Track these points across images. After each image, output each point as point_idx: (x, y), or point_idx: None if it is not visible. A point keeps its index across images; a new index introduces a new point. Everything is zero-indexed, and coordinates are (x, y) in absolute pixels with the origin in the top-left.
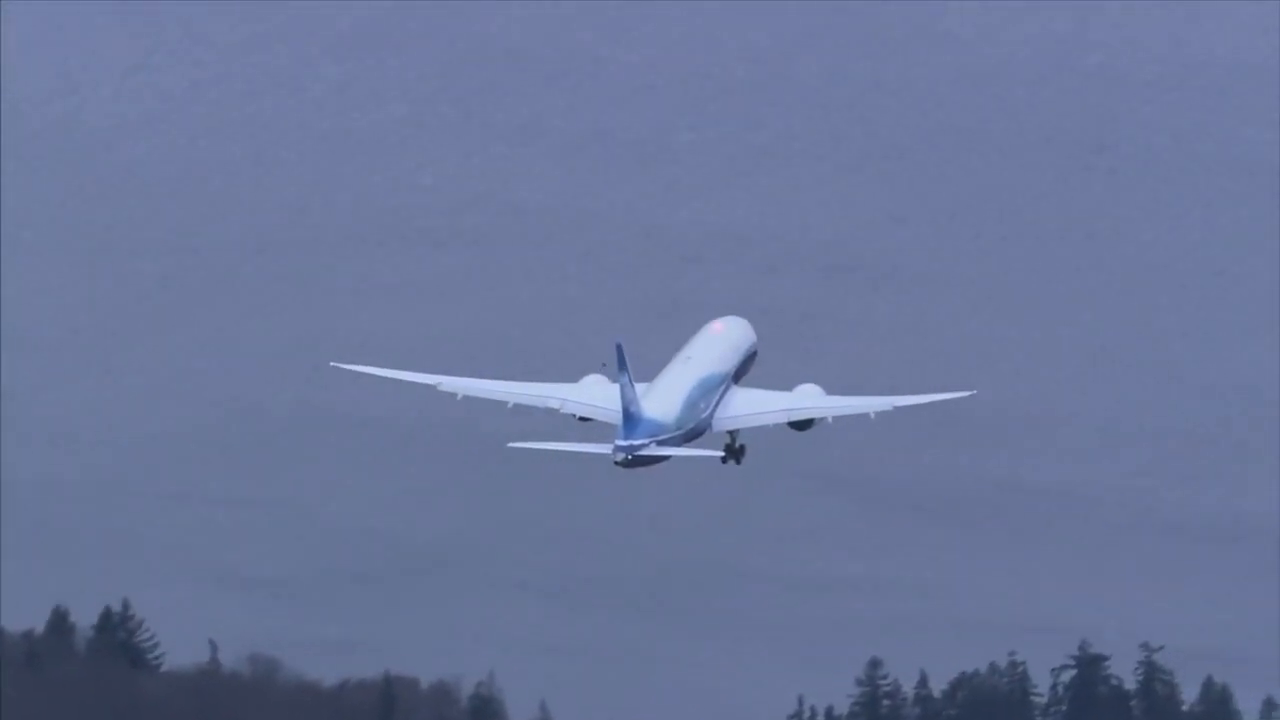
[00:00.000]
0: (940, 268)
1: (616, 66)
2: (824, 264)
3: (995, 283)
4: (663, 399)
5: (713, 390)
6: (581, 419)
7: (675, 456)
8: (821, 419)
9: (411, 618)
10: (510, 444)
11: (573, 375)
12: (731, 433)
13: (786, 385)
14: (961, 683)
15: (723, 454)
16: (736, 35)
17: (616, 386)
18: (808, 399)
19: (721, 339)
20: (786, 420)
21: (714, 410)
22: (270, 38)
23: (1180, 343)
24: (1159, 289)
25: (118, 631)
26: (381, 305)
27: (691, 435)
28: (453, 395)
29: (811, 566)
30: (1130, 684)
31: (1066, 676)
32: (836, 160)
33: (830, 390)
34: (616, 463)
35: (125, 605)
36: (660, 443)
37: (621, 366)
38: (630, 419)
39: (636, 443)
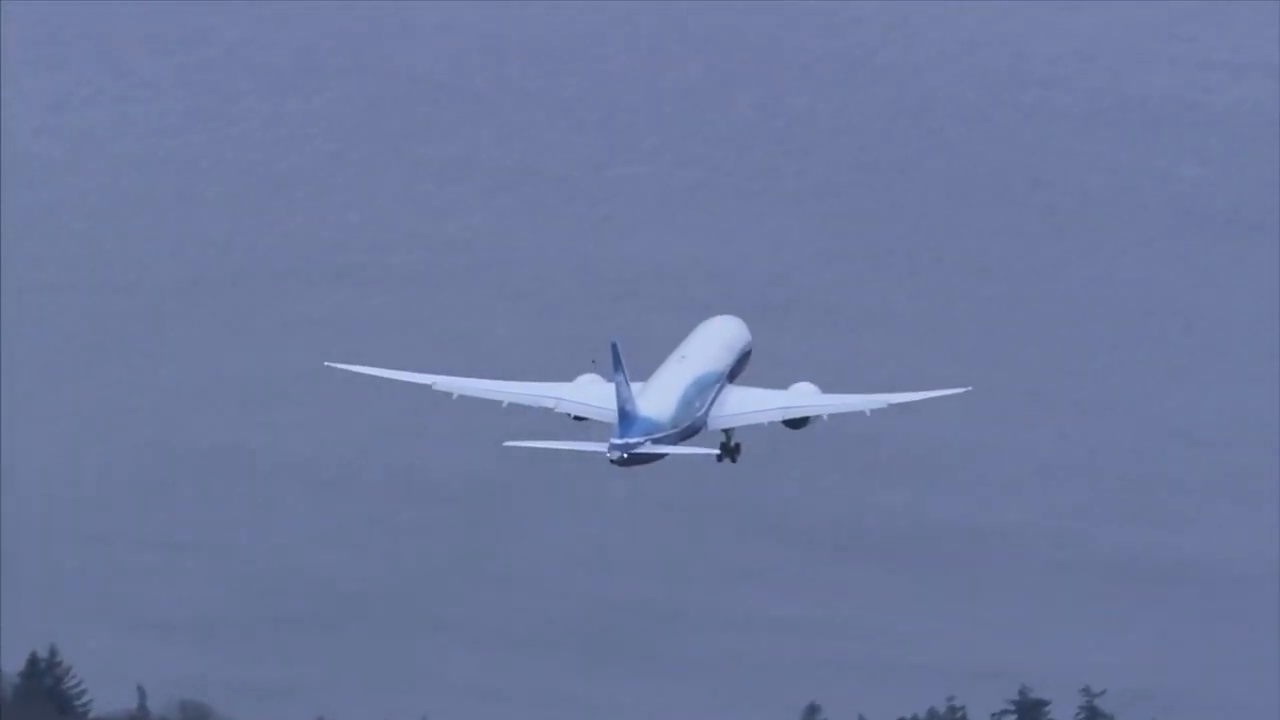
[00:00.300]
0: (877, 304)
1: (547, 101)
2: (760, 301)
3: (931, 320)
4: (658, 398)
5: (708, 389)
6: (576, 418)
7: (670, 455)
8: (817, 417)
9: (344, 662)
10: (506, 443)
11: (567, 375)
12: (727, 431)
13: (781, 384)
14: None
15: (718, 452)
16: (670, 69)
17: (610, 386)
18: (803, 397)
19: (716, 338)
20: (782, 419)
21: (709, 409)
22: (197, 74)
23: (1116, 380)
24: (1095, 326)
25: (44, 678)
26: (309, 344)
27: (687, 434)
28: (386, 429)
29: (750, 609)
30: None
31: None
32: (771, 196)
33: (825, 388)
34: (612, 461)
35: (52, 651)
36: (656, 441)
37: (617, 366)
38: (626, 418)
39: (632, 441)
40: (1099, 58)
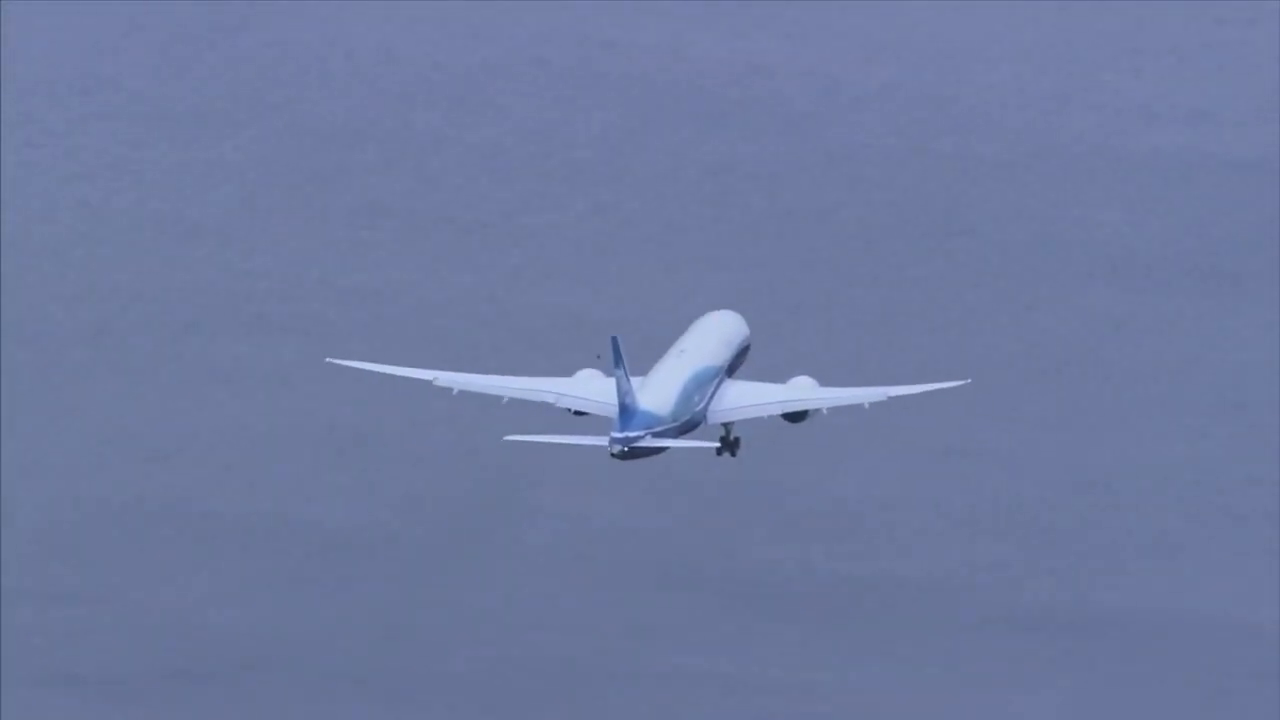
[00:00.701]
0: (793, 353)
1: (460, 147)
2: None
3: (852, 368)
4: (658, 392)
5: (707, 383)
6: (576, 413)
7: (671, 449)
8: (816, 411)
9: (245, 716)
10: (507, 437)
11: (567, 371)
12: (726, 425)
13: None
14: None
15: (718, 445)
16: (582, 115)
17: (609, 381)
18: (802, 391)
19: (715, 333)
20: (781, 413)
21: (708, 403)
22: (101, 120)
23: (1038, 431)
24: (1013, 375)
25: None
26: (219, 394)
27: (687, 428)
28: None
29: (662, 662)
30: None
31: None
32: (686, 243)
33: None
34: (613, 454)
35: None
36: (656, 435)
37: (617, 360)
38: (626, 411)
39: (633, 435)
40: (1017, 104)
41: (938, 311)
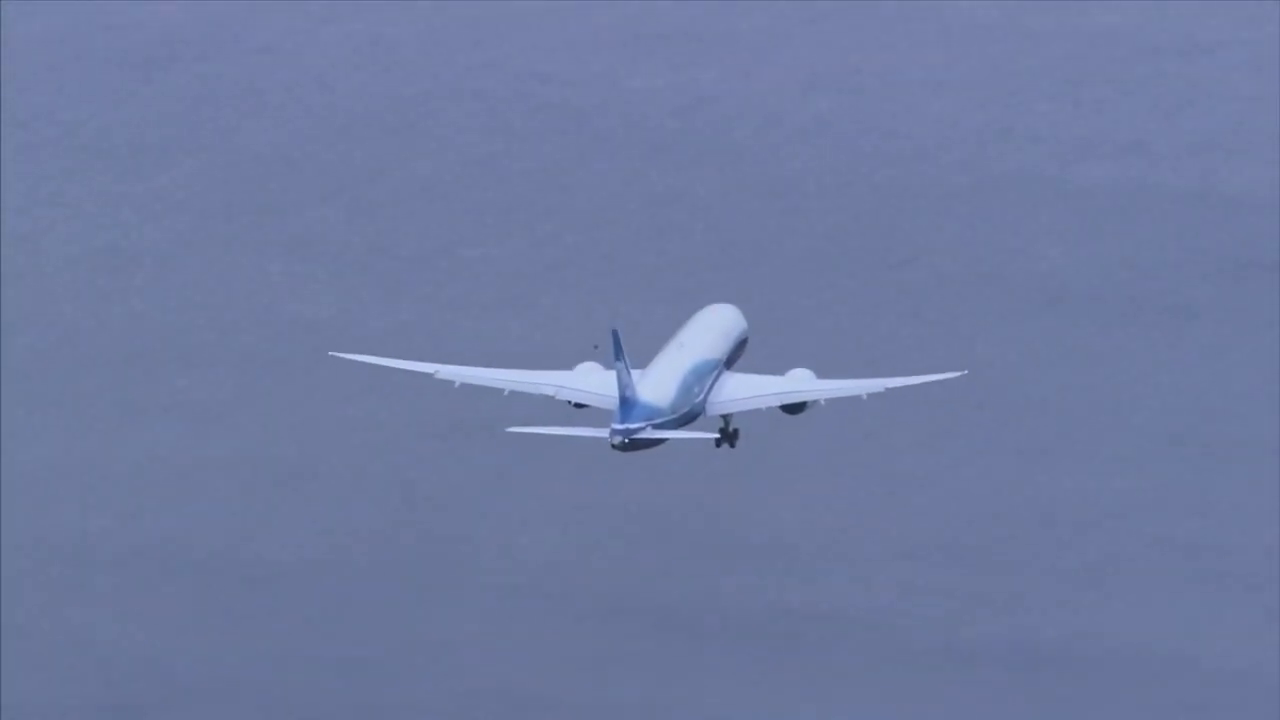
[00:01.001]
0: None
1: (398, 179)
2: None
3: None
4: (658, 384)
5: (706, 375)
6: (576, 405)
7: (670, 440)
8: (814, 402)
9: None
10: (509, 429)
11: (567, 363)
12: (725, 417)
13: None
14: None
15: (717, 436)
16: (517, 146)
17: (609, 374)
18: (800, 383)
19: (713, 325)
20: (780, 404)
21: (707, 395)
22: (39, 152)
23: (975, 462)
24: (953, 407)
25: None
26: (154, 429)
27: (686, 420)
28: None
29: (597, 694)
30: None
31: None
32: (627, 275)
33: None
34: (614, 446)
35: None
36: (656, 427)
37: (618, 353)
38: (626, 403)
39: (633, 426)
40: (957, 136)
41: (877, 344)
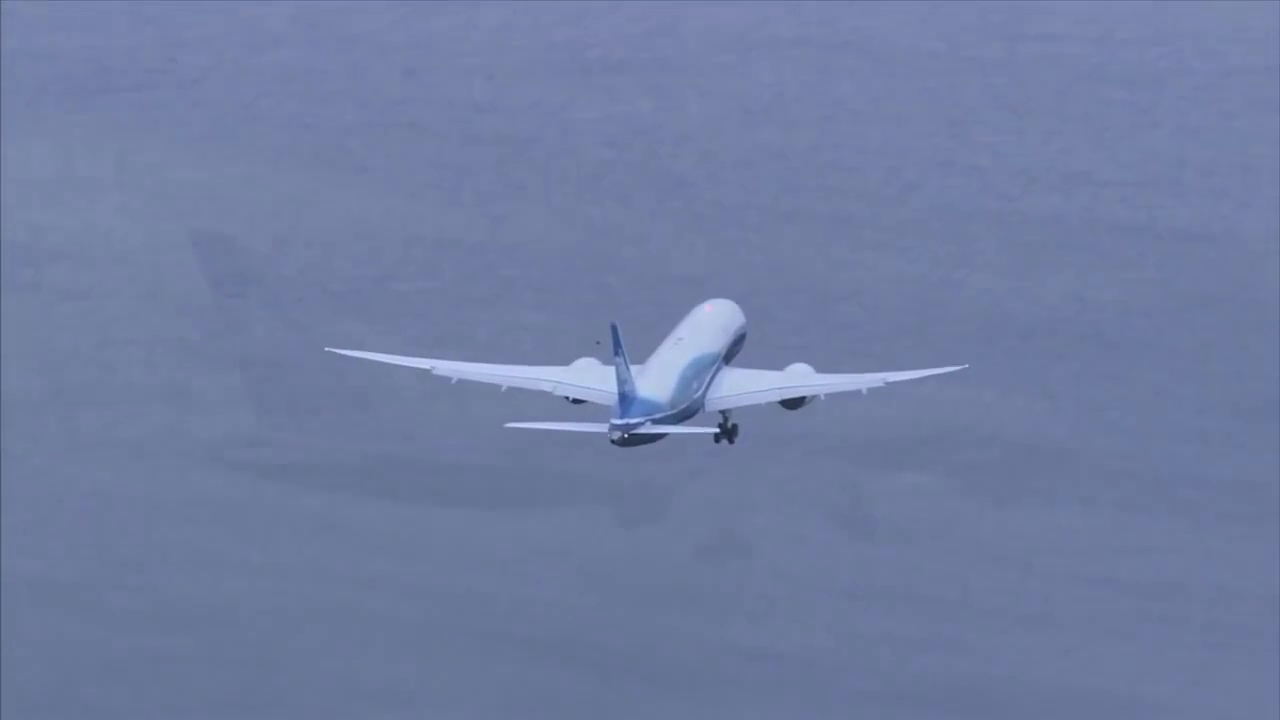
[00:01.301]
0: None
1: (329, 211)
2: None
3: (756, 430)
4: (657, 379)
5: (705, 370)
6: (574, 401)
7: (670, 435)
8: (814, 397)
9: None
10: (507, 424)
11: (565, 359)
12: (724, 413)
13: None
14: None
15: (716, 431)
16: (453, 180)
17: (607, 370)
18: (799, 378)
19: (711, 320)
20: (779, 399)
21: (706, 390)
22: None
23: (919, 503)
24: (898, 446)
25: None
26: (79, 464)
27: (685, 415)
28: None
29: None
30: None
31: None
32: (561, 308)
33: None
34: (613, 441)
35: None
36: (655, 422)
37: (617, 348)
38: (625, 399)
39: (632, 421)
40: (897, 167)
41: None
